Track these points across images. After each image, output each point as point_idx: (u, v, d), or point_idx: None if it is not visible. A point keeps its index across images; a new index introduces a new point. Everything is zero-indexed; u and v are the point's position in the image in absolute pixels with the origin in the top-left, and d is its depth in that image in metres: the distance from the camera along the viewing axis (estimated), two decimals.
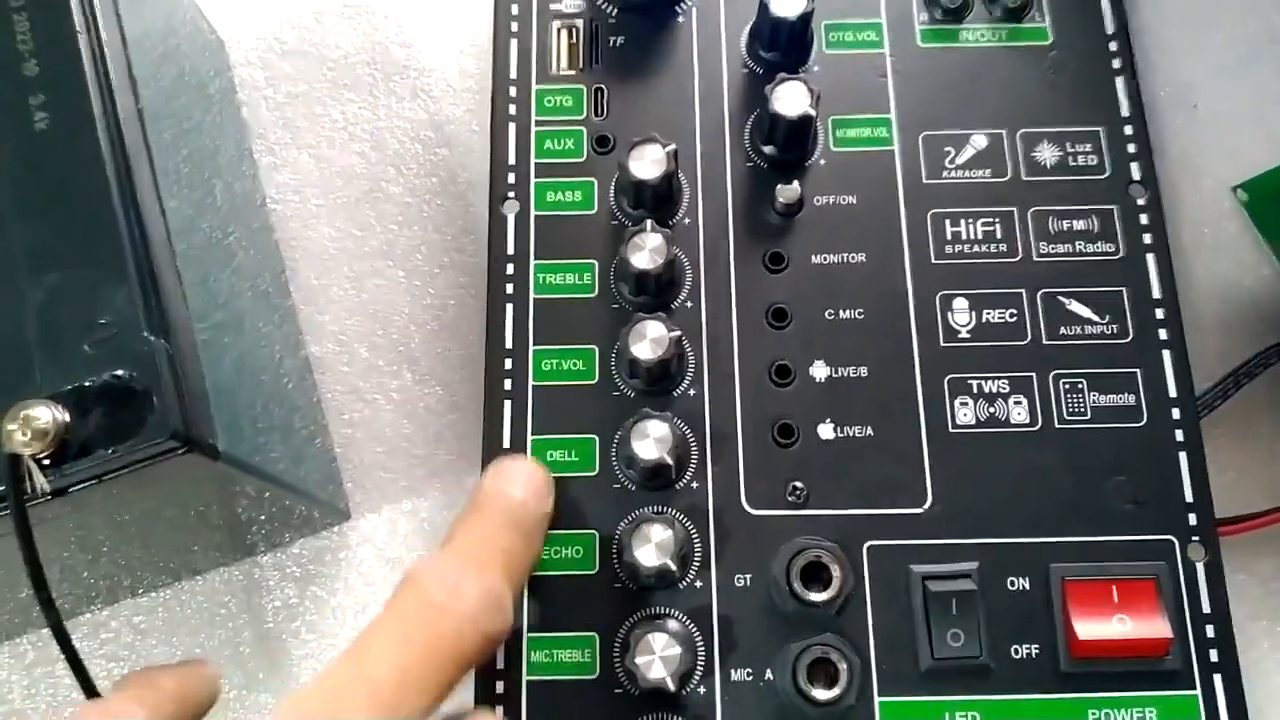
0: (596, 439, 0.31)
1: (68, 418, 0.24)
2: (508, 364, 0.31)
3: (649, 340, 0.29)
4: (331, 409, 0.38)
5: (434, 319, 0.38)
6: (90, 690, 0.25)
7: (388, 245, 0.39)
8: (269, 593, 0.36)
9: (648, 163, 0.30)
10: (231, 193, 0.36)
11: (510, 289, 0.32)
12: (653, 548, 0.28)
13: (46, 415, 0.24)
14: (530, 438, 0.31)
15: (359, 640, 0.24)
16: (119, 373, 0.25)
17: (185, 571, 0.36)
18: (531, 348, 0.31)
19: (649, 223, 0.30)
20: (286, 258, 0.39)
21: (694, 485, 0.30)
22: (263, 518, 0.35)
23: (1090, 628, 0.28)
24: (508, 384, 0.31)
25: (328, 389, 0.38)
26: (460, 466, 0.37)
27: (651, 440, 0.29)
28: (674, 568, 0.28)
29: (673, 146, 0.31)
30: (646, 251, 0.30)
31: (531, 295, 0.32)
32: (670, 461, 0.29)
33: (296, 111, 0.41)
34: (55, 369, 0.25)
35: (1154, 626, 0.28)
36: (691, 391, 0.31)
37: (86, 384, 0.24)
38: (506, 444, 0.31)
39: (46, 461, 0.24)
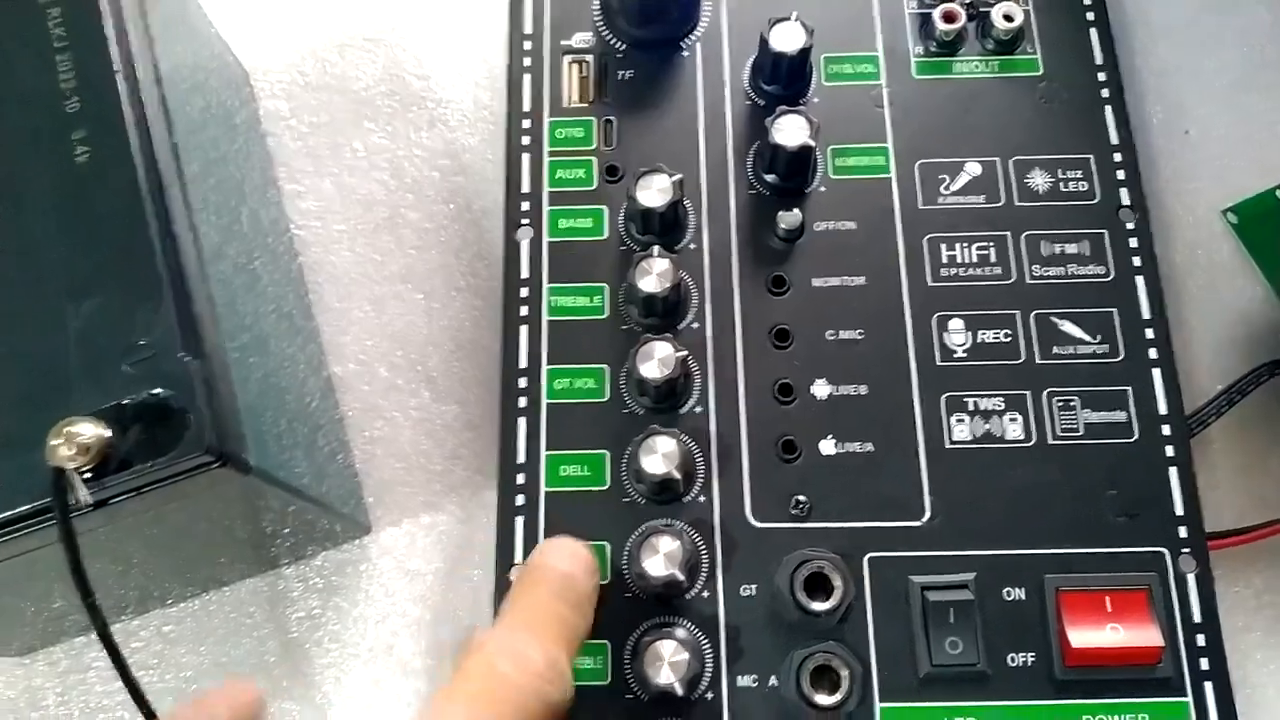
0: (607, 454, 0.32)
1: (108, 434, 0.26)
2: (522, 383, 0.33)
3: (656, 360, 0.31)
4: (353, 426, 0.39)
5: (451, 340, 0.40)
6: (136, 691, 0.26)
7: (406, 269, 0.41)
8: (293, 603, 0.37)
9: (655, 191, 0.32)
10: (257, 219, 0.38)
11: (525, 311, 0.33)
12: (661, 558, 0.29)
13: (89, 431, 0.25)
14: (544, 453, 0.32)
15: (429, 707, 0.24)
16: (156, 391, 0.26)
17: (212, 583, 0.37)
18: (545, 367, 0.33)
19: (656, 248, 0.31)
20: (309, 281, 0.41)
21: (701, 499, 0.31)
22: (286, 530, 0.36)
23: (1084, 636, 0.29)
24: (522, 401, 0.33)
25: (349, 407, 0.39)
26: (477, 482, 0.38)
27: (659, 455, 0.30)
28: (681, 578, 0.29)
29: (679, 176, 0.32)
30: (654, 276, 0.31)
31: (545, 317, 0.33)
32: (678, 476, 0.30)
33: (319, 141, 0.42)
34: (96, 388, 0.26)
35: (1146, 635, 0.29)
36: (698, 409, 0.32)
37: (126, 402, 0.26)
38: (521, 459, 0.32)
39: (88, 475, 0.25)
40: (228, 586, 0.38)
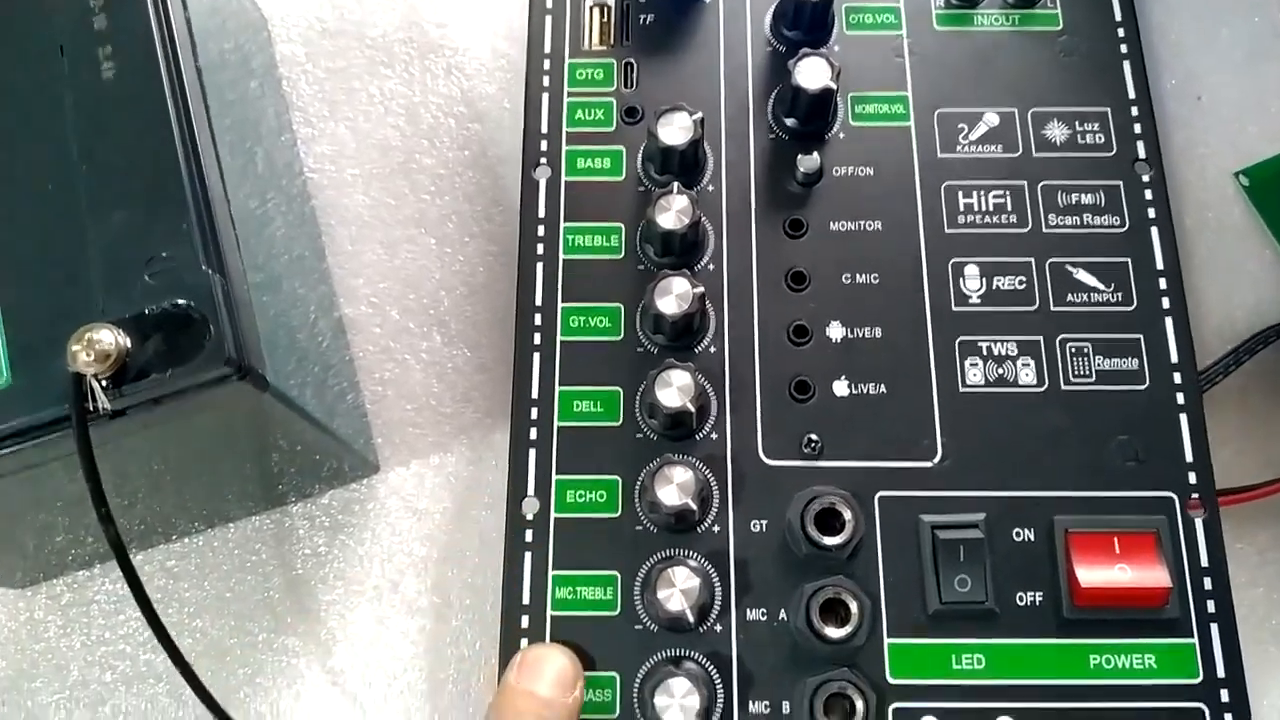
0: (620, 391, 0.32)
1: (128, 343, 0.26)
2: (537, 320, 0.33)
3: (674, 295, 0.31)
4: (363, 368, 0.39)
5: (463, 284, 0.40)
6: (144, 602, 0.26)
7: (420, 214, 0.41)
8: (299, 541, 0.37)
9: (676, 129, 0.32)
10: (271, 161, 0.38)
11: (540, 249, 0.33)
12: (674, 488, 0.29)
13: (109, 339, 0.25)
14: (557, 389, 0.32)
15: None
16: (178, 302, 0.26)
17: (218, 519, 0.37)
18: (560, 305, 0.33)
19: (676, 184, 0.32)
20: (322, 224, 0.41)
21: (713, 436, 0.31)
22: (294, 470, 0.36)
23: (1092, 574, 0.29)
24: (536, 339, 0.33)
25: (360, 349, 0.39)
26: (487, 424, 0.38)
27: (675, 389, 0.30)
28: (694, 507, 0.29)
29: (700, 114, 0.32)
30: (673, 212, 0.31)
31: (561, 256, 0.33)
32: (692, 409, 0.30)
33: (335, 86, 0.42)
34: (117, 298, 0.26)
35: (1154, 575, 0.29)
36: (712, 349, 0.32)
37: (146, 312, 0.26)
38: (535, 395, 0.32)
39: (107, 383, 0.25)
40: (233, 523, 0.38)
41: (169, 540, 0.37)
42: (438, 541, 0.37)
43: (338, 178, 0.41)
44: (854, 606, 0.29)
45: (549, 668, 0.28)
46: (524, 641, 0.30)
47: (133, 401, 0.26)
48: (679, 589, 0.28)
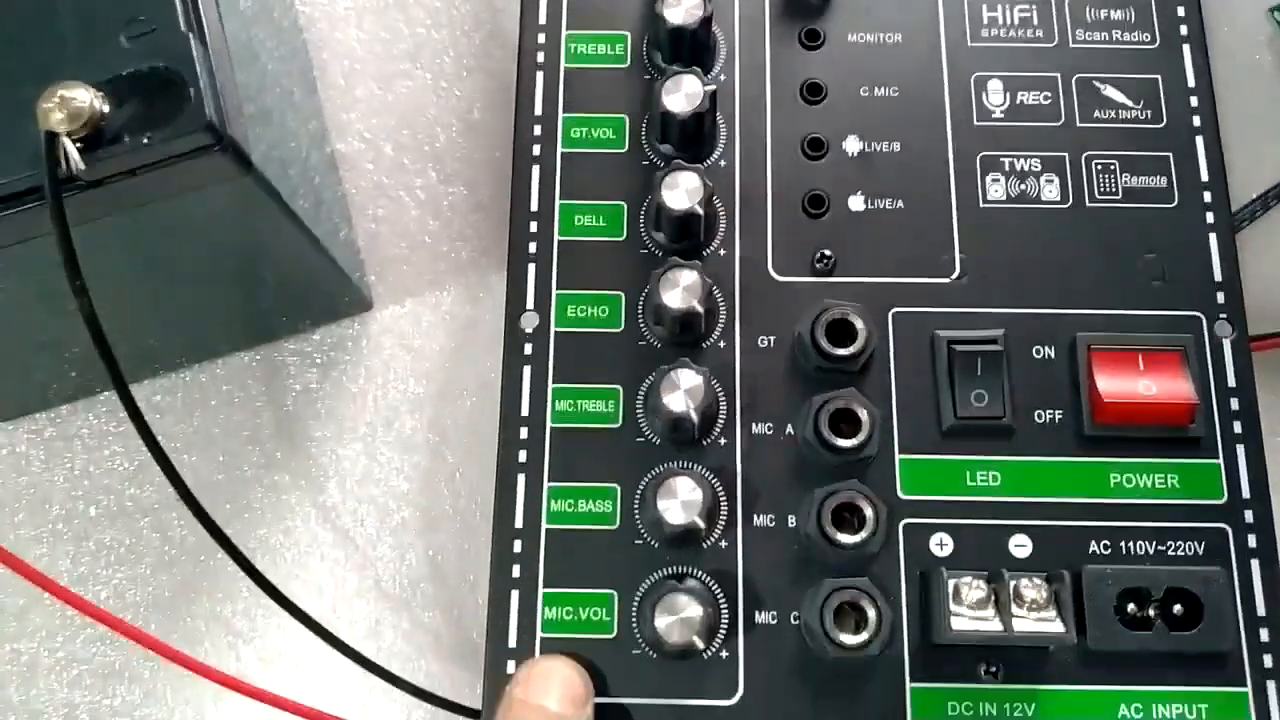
0: (624, 205, 0.30)
1: (104, 106, 0.24)
2: (536, 130, 0.31)
3: (683, 93, 0.29)
4: (356, 204, 0.37)
5: (460, 120, 0.38)
6: (119, 379, 0.25)
7: (415, 49, 0.39)
8: (290, 377, 0.36)
9: None
10: None
11: (541, 58, 0.32)
12: (680, 291, 0.28)
13: (84, 97, 0.24)
14: (558, 201, 0.31)
15: None
16: (156, 65, 0.24)
17: (205, 352, 0.36)
18: (561, 116, 0.31)
19: None
20: (314, 58, 0.39)
21: (721, 253, 0.30)
22: (284, 296, 0.35)
23: (1115, 386, 0.28)
24: (536, 149, 0.31)
25: (352, 185, 0.38)
26: (484, 264, 0.37)
27: (682, 190, 0.28)
28: (700, 311, 0.28)
29: None
30: (682, 8, 0.30)
31: (562, 65, 0.32)
32: (700, 212, 0.28)
33: None
34: (92, 60, 0.25)
35: (1179, 389, 0.28)
36: (723, 162, 0.31)
37: (123, 74, 0.24)
38: (534, 207, 0.31)
39: (80, 146, 0.24)
40: (221, 358, 0.36)
41: (155, 375, 0.36)
42: (434, 379, 0.36)
43: (330, 11, 0.39)
44: (864, 416, 0.27)
45: (556, 681, 0.26)
46: (522, 454, 0.28)
47: (108, 170, 0.24)
48: (683, 389, 0.27)
